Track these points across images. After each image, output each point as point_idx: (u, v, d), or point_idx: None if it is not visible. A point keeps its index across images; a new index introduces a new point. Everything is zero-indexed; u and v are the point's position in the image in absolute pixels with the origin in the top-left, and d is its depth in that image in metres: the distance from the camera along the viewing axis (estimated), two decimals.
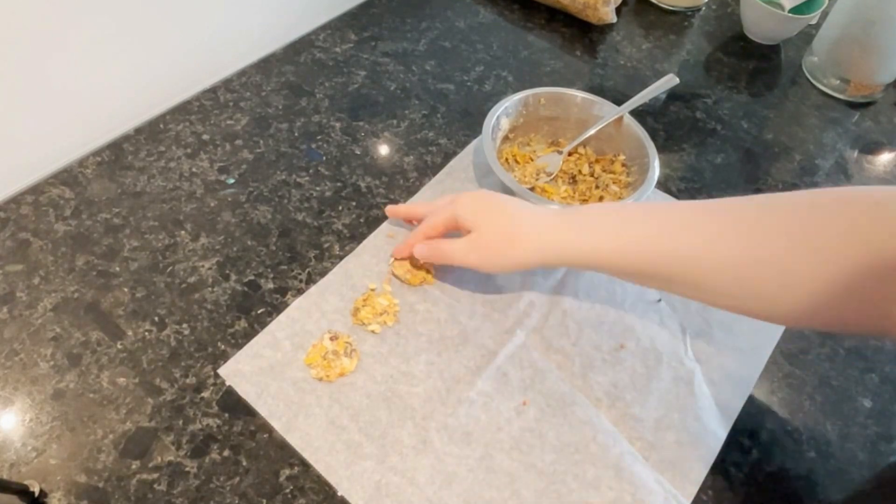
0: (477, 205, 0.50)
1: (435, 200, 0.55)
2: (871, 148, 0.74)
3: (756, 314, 0.43)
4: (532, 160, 0.66)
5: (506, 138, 0.66)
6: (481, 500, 0.45)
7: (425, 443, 0.47)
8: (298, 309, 0.54)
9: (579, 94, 0.65)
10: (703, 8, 0.90)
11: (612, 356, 0.53)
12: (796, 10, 0.80)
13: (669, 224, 0.44)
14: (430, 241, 0.52)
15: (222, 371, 0.50)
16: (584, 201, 0.63)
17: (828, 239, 0.37)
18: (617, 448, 0.48)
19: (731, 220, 0.42)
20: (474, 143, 0.69)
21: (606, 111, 0.65)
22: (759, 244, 0.40)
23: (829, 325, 0.44)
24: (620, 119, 0.64)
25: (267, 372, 0.50)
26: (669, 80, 0.67)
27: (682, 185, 0.67)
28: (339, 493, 0.45)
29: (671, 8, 0.89)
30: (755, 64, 0.83)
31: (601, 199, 0.62)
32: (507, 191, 0.60)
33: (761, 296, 0.41)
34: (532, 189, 0.63)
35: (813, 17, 0.81)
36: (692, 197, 0.66)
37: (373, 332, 0.53)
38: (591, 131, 0.65)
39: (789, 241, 0.39)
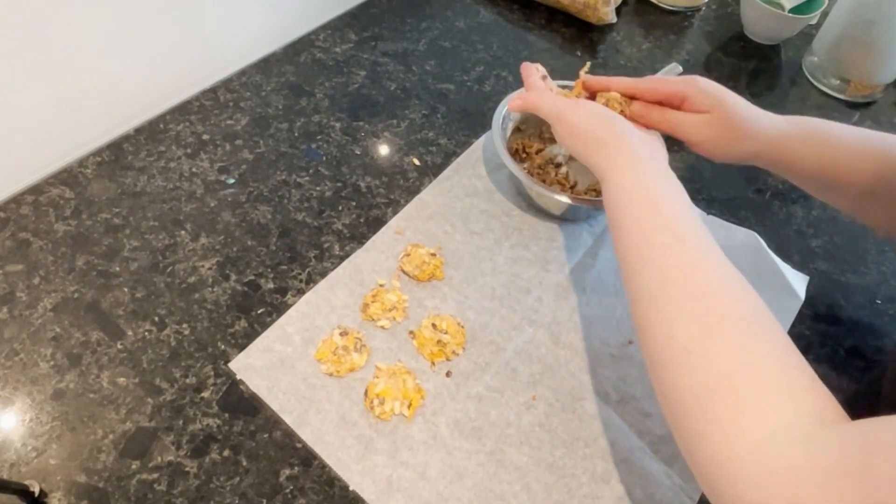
0: (718, 91, 0.50)
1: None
2: None
3: None
4: (541, 150, 0.66)
5: (517, 129, 0.66)
6: (492, 494, 0.45)
7: (436, 438, 0.48)
8: (308, 303, 0.54)
9: None
10: (703, 8, 0.90)
11: (621, 351, 0.53)
12: (796, 10, 0.80)
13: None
14: (654, 106, 0.52)
15: (233, 365, 0.50)
16: (593, 192, 0.63)
17: None
18: (626, 442, 0.48)
19: None
20: (483, 138, 0.69)
21: None
22: None
23: None
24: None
25: (277, 367, 0.50)
26: (673, 70, 0.67)
27: (683, 185, 0.67)
28: (350, 488, 0.45)
29: (671, 8, 0.89)
30: (755, 64, 0.83)
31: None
32: (518, 183, 0.60)
33: None
34: (544, 181, 0.63)
35: (813, 17, 0.81)
36: (692, 197, 0.65)
37: (382, 327, 0.53)
38: None
39: None
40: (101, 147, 0.65)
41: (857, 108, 0.78)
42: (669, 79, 0.52)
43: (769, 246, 0.60)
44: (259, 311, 0.54)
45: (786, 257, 0.60)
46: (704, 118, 0.50)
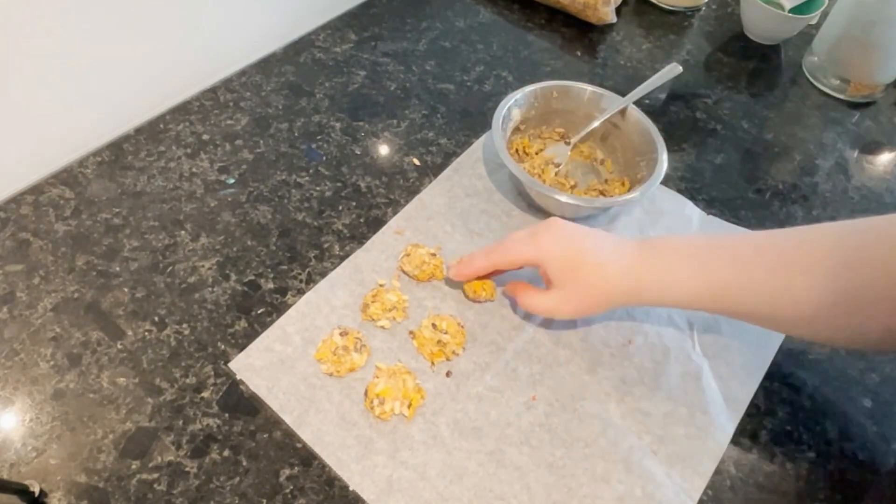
0: (564, 261, 0.49)
1: (502, 241, 0.52)
2: (871, 148, 0.74)
3: (842, 344, 0.50)
4: (541, 151, 0.67)
5: (517, 129, 0.66)
6: (491, 494, 0.45)
7: (435, 438, 0.48)
8: (308, 303, 0.54)
9: (588, 88, 0.66)
10: (703, 8, 0.90)
11: (621, 351, 0.53)
12: (796, 10, 0.80)
13: (749, 263, 0.45)
14: (517, 288, 0.53)
15: (233, 365, 0.50)
16: (604, 192, 0.64)
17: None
18: (626, 442, 0.48)
19: (802, 256, 0.44)
20: (482, 138, 0.69)
21: (614, 104, 0.65)
22: (834, 279, 0.42)
23: None
24: (625, 110, 0.64)
25: (277, 366, 0.50)
26: (672, 69, 0.68)
27: (683, 185, 0.67)
28: (350, 488, 0.45)
29: (671, 8, 0.89)
30: (755, 64, 0.83)
31: (602, 192, 0.63)
32: (517, 182, 0.61)
33: (843, 327, 0.43)
34: (544, 181, 0.63)
35: (813, 17, 0.81)
36: (692, 197, 0.65)
37: (382, 327, 0.53)
38: (597, 123, 0.66)
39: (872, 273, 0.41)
40: (101, 147, 0.65)
41: (857, 108, 0.78)
42: (523, 249, 0.50)
43: None
44: (259, 311, 0.54)
45: None
46: (560, 296, 0.50)
